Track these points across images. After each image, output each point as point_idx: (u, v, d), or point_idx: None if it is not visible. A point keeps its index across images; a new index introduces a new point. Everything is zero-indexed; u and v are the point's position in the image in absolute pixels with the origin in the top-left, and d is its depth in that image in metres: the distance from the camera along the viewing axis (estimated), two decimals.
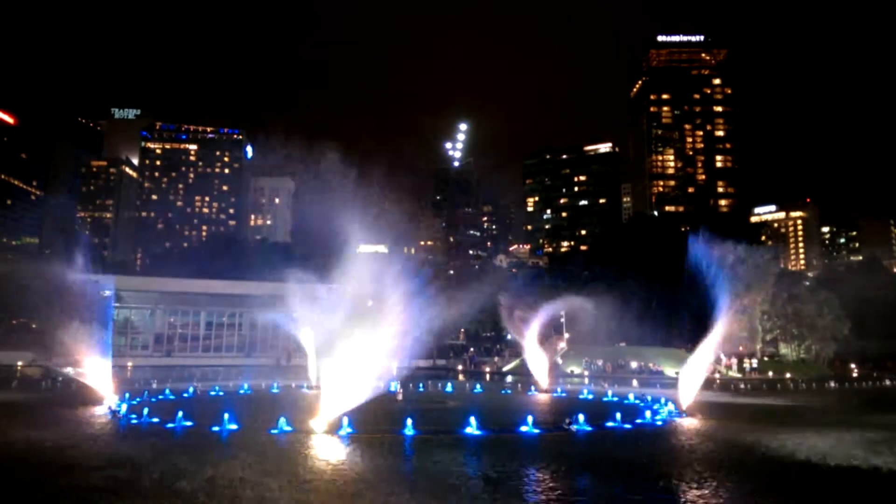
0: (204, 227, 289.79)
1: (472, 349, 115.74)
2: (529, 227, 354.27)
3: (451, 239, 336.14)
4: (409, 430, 31.83)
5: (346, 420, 32.36)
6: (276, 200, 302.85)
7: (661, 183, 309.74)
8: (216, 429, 32.38)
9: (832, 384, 73.43)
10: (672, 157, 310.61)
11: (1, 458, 25.78)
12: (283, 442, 30.36)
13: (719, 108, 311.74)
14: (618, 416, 37.11)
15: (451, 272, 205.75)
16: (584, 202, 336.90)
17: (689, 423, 38.16)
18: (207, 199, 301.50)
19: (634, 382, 72.59)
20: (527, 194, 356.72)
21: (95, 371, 46.71)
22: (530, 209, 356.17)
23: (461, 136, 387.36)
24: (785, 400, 56.08)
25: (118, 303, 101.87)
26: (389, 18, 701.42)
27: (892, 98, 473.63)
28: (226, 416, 32.99)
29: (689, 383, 44.53)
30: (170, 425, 33.71)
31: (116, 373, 49.57)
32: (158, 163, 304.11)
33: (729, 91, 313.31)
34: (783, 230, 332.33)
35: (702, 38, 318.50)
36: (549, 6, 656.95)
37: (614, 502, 20.44)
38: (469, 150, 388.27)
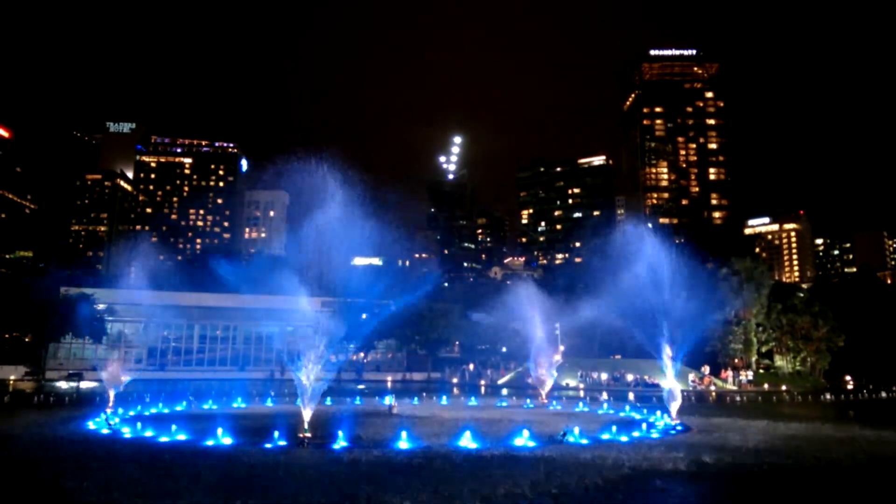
0: (198, 241, 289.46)
1: (471, 363, 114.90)
2: (524, 240, 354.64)
3: (446, 251, 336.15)
4: (404, 443, 31.63)
5: (341, 433, 32.13)
6: (271, 213, 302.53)
7: (655, 195, 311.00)
8: (210, 443, 32.08)
9: (828, 396, 73.37)
10: (665, 170, 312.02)
11: None
12: (276, 456, 30.02)
13: (712, 121, 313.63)
14: (613, 429, 36.97)
15: (446, 285, 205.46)
16: (578, 214, 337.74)
17: (686, 436, 38.01)
18: (202, 212, 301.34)
19: (630, 395, 72.31)
20: (521, 207, 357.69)
21: (89, 384, 46.41)
22: (525, 221, 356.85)
23: (455, 149, 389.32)
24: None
25: (111, 316, 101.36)
26: (383, 37, 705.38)
27: (885, 110, 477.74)
28: (219, 430, 32.69)
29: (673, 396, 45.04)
30: (163, 439, 33.40)
31: (109, 386, 49.13)
32: (153, 176, 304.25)
33: (721, 104, 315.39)
34: (777, 242, 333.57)
35: (694, 51, 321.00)
36: (542, 20, 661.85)
37: None
38: (463, 162, 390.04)
